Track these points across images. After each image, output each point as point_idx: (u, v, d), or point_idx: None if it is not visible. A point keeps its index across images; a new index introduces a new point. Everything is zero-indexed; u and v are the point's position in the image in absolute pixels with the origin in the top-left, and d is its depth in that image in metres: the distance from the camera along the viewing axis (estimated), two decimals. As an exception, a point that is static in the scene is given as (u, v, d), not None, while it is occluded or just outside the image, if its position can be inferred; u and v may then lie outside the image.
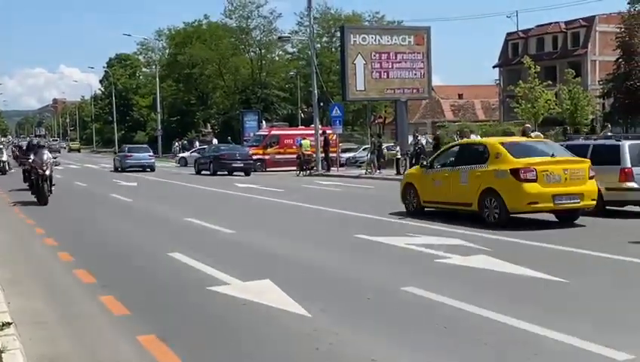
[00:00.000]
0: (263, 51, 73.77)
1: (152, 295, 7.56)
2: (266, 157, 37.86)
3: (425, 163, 15.21)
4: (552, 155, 12.41)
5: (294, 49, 74.02)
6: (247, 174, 32.69)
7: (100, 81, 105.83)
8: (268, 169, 36.68)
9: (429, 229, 11.96)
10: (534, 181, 11.83)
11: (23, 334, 5.87)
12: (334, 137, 35.67)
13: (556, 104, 33.15)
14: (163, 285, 8.06)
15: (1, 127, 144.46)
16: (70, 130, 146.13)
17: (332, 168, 33.64)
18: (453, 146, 15.31)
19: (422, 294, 7.06)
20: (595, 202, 12.45)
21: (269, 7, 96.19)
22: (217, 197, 21.43)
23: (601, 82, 48.56)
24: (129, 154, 40.36)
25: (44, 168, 17.41)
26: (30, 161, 18.59)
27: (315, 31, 56.16)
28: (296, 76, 70.38)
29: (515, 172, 11.90)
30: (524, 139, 16.23)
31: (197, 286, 7.77)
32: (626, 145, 13.88)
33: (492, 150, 12.67)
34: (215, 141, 57.00)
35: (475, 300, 6.68)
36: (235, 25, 73.66)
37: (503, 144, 12.89)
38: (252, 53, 74.85)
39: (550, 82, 35.31)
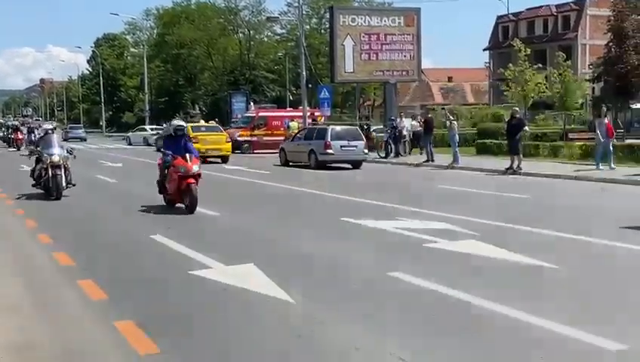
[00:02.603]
0: (251, 32, 73.13)
1: (131, 279, 7.35)
2: (254, 138, 37.49)
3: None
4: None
5: (283, 30, 73.37)
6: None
7: (88, 61, 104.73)
8: (255, 151, 36.35)
9: (417, 213, 11.79)
10: None
11: (-6, 320, 5.67)
12: (322, 119, 35.40)
13: (546, 87, 33.00)
14: (144, 269, 7.85)
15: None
16: (58, 111, 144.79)
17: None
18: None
19: (409, 280, 6.90)
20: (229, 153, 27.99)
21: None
22: (202, 178, 21.09)
23: (591, 66, 48.51)
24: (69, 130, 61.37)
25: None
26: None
27: (304, 12, 55.76)
28: (285, 57, 69.87)
29: None
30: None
31: (178, 269, 7.58)
32: (328, 128, 25.06)
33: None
34: (202, 122, 56.59)
35: (464, 286, 6.53)
36: (223, 5, 72.96)
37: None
38: (240, 34, 74.17)
39: (540, 65, 35.12)
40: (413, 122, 29.85)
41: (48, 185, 14.32)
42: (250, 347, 5.18)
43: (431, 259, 8.00)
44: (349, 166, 24.28)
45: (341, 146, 23.92)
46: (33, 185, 14.98)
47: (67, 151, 15.02)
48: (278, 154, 27.38)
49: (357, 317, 5.80)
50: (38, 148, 15.25)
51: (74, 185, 14.74)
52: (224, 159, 28.03)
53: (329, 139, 23.68)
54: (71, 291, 6.82)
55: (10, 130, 45.73)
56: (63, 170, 14.38)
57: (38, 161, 14.95)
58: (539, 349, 4.98)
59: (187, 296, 6.64)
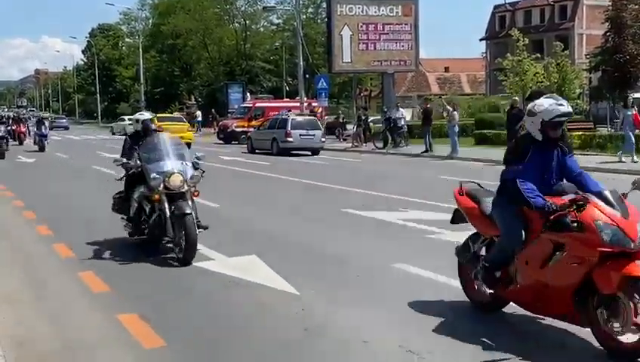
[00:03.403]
0: (247, 22, 72.75)
1: (133, 271, 7.27)
2: (251, 129, 37.42)
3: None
4: None
5: (279, 20, 73.13)
6: None
7: (83, 52, 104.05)
8: (253, 141, 36.18)
9: (419, 204, 11.70)
10: None
11: (-5, 313, 5.58)
12: (320, 110, 35.26)
13: (544, 77, 32.84)
14: (145, 260, 7.74)
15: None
16: (53, 101, 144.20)
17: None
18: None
19: (413, 271, 6.84)
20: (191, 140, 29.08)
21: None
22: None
23: (588, 56, 48.40)
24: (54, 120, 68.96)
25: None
26: None
27: (300, 1, 55.49)
28: (282, 48, 69.59)
29: None
30: None
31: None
32: (289, 118, 27.12)
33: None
34: (199, 113, 56.44)
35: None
36: (219, -6, 72.61)
37: None
38: (237, 24, 73.79)
39: (538, 55, 34.91)
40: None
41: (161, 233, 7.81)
42: (256, 340, 5.11)
43: (435, 249, 7.92)
44: (309, 153, 26.30)
45: (300, 135, 26.18)
46: (130, 234, 8.44)
47: (194, 166, 8.42)
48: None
49: (362, 309, 5.73)
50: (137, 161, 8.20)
51: (206, 227, 8.03)
52: (188, 145, 29.43)
53: (289, 129, 26.06)
54: (72, 283, 6.74)
55: (9, 122, 39.49)
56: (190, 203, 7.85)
57: (132, 182, 8.39)
58: (546, 341, 4.92)
59: (191, 288, 6.56)
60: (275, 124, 27.67)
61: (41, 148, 29.11)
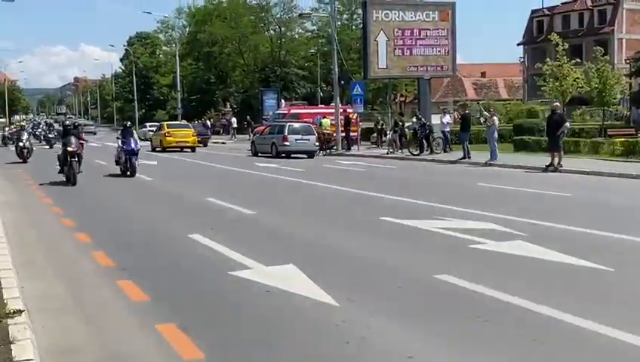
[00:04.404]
0: (282, 29, 73.07)
1: (171, 280, 7.20)
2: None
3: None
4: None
5: (314, 27, 73.31)
6: None
7: (121, 60, 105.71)
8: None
9: (458, 212, 11.47)
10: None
11: (35, 322, 5.54)
12: (355, 116, 35.10)
13: (584, 82, 32.28)
14: (183, 269, 7.70)
15: (23, 105, 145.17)
16: (91, 108, 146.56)
17: (352, 147, 33.16)
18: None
19: (457, 283, 6.62)
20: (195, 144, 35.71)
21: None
22: (237, 176, 21.09)
23: (628, 61, 47.49)
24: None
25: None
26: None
27: (335, 8, 55.43)
28: (316, 54, 69.65)
29: None
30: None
31: (218, 270, 7.41)
32: (287, 125, 30.41)
33: None
34: (234, 120, 56.79)
35: (514, 290, 6.24)
36: (255, 2, 73.03)
37: None
38: (272, 32, 74.16)
39: (578, 60, 34.30)
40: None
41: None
42: (297, 353, 4.98)
43: (479, 260, 7.71)
44: (305, 156, 29.24)
45: (296, 140, 29.53)
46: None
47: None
48: (318, 151, 31.03)
49: (405, 322, 5.56)
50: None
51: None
52: (192, 149, 36.06)
53: (286, 134, 29.50)
54: (111, 292, 6.70)
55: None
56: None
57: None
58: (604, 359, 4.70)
59: (229, 297, 6.46)
60: (274, 130, 31.48)
61: (131, 172, 19.48)
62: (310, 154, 29.53)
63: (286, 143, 29.45)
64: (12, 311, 5.41)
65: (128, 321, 5.78)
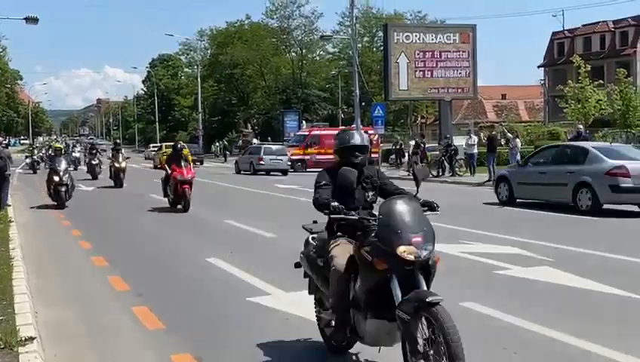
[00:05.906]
0: (303, 51, 73.45)
1: (188, 306, 7.04)
2: (307, 157, 37.44)
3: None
4: None
5: (335, 49, 73.60)
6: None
7: (143, 81, 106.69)
8: (308, 169, 36.20)
9: (483, 236, 11.22)
10: None
11: (47, 349, 5.40)
12: (376, 137, 34.94)
13: (607, 104, 31.94)
14: (200, 295, 7.53)
15: (46, 126, 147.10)
16: (113, 130, 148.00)
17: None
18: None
19: (483, 311, 6.39)
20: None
21: (310, 7, 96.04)
22: (257, 198, 20.96)
23: (652, 82, 47.09)
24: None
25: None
26: None
27: (357, 30, 55.59)
28: (337, 76, 69.83)
29: None
30: None
31: (236, 296, 7.24)
32: (262, 146, 36.37)
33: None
34: (255, 141, 56.95)
35: (543, 319, 6.00)
36: (276, 25, 73.56)
37: None
38: (293, 54, 74.57)
39: (601, 81, 33.99)
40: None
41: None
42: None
43: (504, 287, 7.47)
44: (279, 173, 33.20)
45: (270, 159, 34.36)
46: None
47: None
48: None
49: (430, 354, 5.32)
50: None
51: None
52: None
53: (262, 155, 34.48)
54: (126, 319, 6.54)
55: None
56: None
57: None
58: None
59: (247, 325, 6.27)
60: (253, 150, 36.88)
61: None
62: (284, 172, 33.68)
63: (261, 163, 34.04)
64: (24, 338, 5.27)
65: (142, 351, 5.61)
